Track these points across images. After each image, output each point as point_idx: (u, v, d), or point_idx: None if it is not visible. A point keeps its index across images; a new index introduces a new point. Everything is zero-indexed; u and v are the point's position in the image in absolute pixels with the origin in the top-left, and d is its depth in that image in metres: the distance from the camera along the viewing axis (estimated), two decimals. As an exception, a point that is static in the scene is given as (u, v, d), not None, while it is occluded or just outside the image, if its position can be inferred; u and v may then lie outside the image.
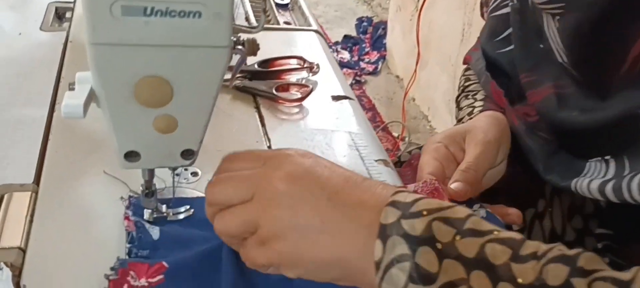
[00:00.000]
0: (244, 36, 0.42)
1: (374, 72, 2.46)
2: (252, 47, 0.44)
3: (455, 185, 0.50)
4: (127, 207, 0.49)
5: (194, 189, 0.53)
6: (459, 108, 0.69)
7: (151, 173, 0.46)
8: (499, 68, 0.62)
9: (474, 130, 0.55)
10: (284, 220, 0.37)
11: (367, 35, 2.66)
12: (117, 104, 0.39)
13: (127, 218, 0.48)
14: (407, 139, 1.98)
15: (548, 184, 0.58)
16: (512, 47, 0.59)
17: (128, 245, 0.45)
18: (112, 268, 0.43)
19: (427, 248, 0.33)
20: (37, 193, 0.50)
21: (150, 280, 0.42)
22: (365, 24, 2.72)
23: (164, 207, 0.49)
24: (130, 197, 0.50)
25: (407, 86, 2.09)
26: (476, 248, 0.33)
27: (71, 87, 0.41)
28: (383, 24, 2.60)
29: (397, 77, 2.42)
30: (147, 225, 0.47)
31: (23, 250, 0.44)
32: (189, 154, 0.43)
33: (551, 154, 0.54)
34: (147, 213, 0.48)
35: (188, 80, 0.39)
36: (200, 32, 0.36)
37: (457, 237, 0.34)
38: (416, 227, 0.34)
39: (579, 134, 0.50)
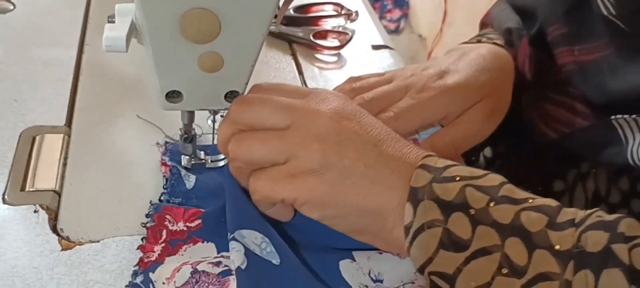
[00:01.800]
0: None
1: (396, 31, 2.39)
2: (302, -17, 0.40)
3: None
4: (164, 153, 0.46)
5: (232, 137, 0.50)
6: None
7: (191, 116, 0.43)
8: (526, 14, 0.54)
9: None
10: (326, 156, 0.34)
11: (389, -8, 2.58)
12: (161, 39, 0.36)
13: (164, 163, 0.45)
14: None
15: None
16: None
17: (163, 190, 0.43)
18: (147, 215, 0.41)
19: (460, 214, 0.32)
20: (69, 136, 0.48)
21: (189, 224, 0.40)
22: (387, -20, 2.64)
23: (202, 154, 0.46)
24: (166, 142, 0.47)
25: (432, 45, 2.04)
26: (511, 215, 0.32)
27: (110, 19, 0.38)
28: (406, -20, 2.51)
29: (420, 36, 2.35)
30: (183, 173, 0.45)
31: (58, 193, 0.42)
32: (233, 96, 0.41)
33: (589, 126, 0.47)
34: (184, 160, 0.46)
35: (238, 14, 0.35)
36: (254, -41, 0.33)
37: (492, 204, 0.32)
38: (449, 191, 0.33)
39: (614, 99, 0.44)
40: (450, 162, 0.35)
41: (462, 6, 1.96)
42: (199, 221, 0.40)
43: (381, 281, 0.37)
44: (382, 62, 0.65)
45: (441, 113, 0.44)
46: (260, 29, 0.37)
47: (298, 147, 0.35)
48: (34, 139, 0.46)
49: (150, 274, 0.37)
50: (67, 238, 0.39)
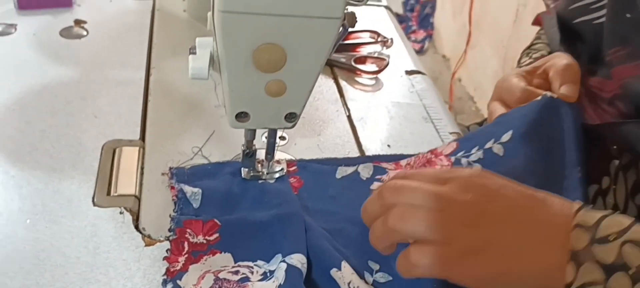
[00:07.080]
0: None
1: (420, 51, 2.46)
2: (352, 20, 0.46)
3: (564, 89, 0.53)
4: (170, 178, 0.51)
5: (284, 152, 0.57)
6: (518, 64, 0.69)
7: (253, 134, 0.50)
8: (576, 36, 0.60)
9: (555, 55, 0.57)
10: (482, 237, 0.39)
11: (414, 13, 2.64)
12: (236, 68, 0.42)
13: (172, 187, 0.49)
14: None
15: (613, 162, 0.59)
16: (593, 15, 0.57)
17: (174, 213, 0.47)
18: (170, 230, 0.45)
19: (620, 274, 0.36)
20: (143, 148, 0.55)
21: (208, 237, 0.45)
22: (412, 1, 2.70)
23: (259, 167, 0.53)
24: (170, 168, 0.52)
25: (456, 66, 2.09)
26: None
27: (192, 51, 0.45)
28: (430, 2, 2.58)
29: (444, 56, 2.41)
30: (189, 194, 0.48)
31: (138, 198, 0.49)
32: (292, 117, 0.47)
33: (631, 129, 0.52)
34: (244, 172, 0.52)
35: (302, 48, 0.42)
36: (317, 3, 0.39)
37: None
38: (609, 254, 0.37)
39: None
40: (601, 214, 0.38)
41: (485, 30, 2.01)
42: (216, 235, 0.45)
43: None
44: (415, 86, 0.71)
45: None
46: (319, 60, 0.43)
47: (454, 230, 0.38)
48: (114, 151, 0.53)
49: (178, 281, 0.41)
50: (149, 236, 0.46)
